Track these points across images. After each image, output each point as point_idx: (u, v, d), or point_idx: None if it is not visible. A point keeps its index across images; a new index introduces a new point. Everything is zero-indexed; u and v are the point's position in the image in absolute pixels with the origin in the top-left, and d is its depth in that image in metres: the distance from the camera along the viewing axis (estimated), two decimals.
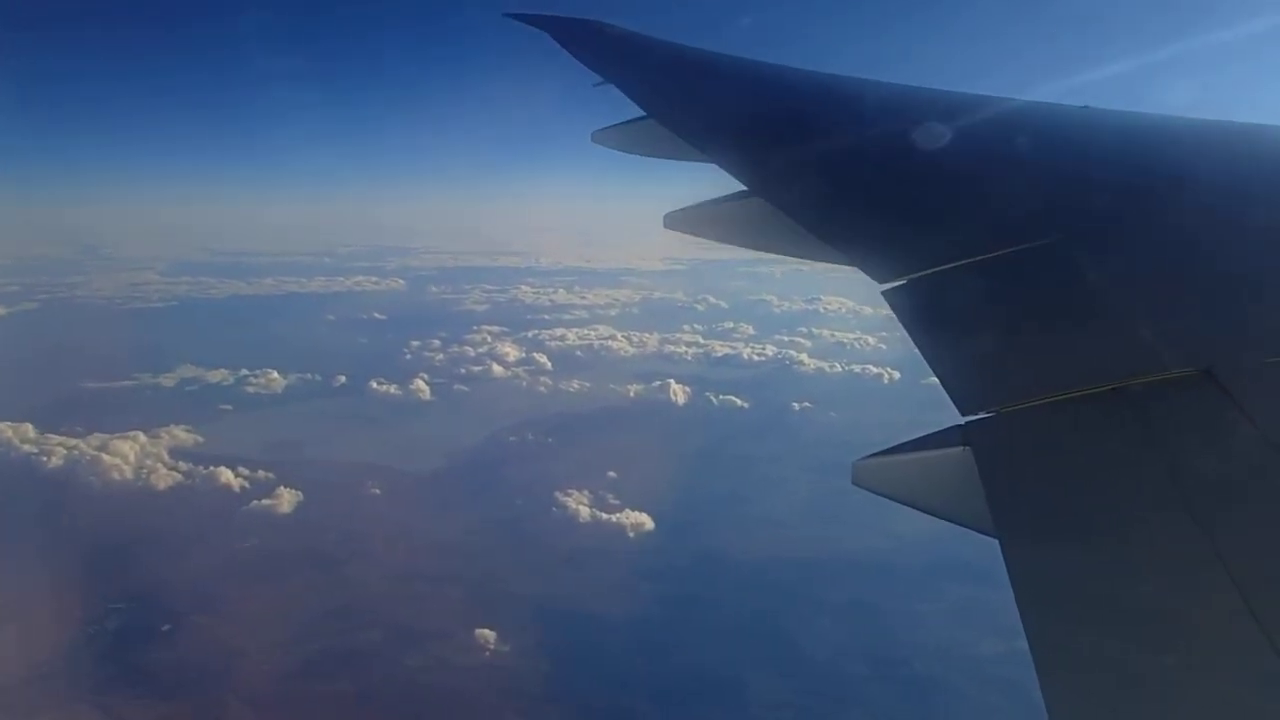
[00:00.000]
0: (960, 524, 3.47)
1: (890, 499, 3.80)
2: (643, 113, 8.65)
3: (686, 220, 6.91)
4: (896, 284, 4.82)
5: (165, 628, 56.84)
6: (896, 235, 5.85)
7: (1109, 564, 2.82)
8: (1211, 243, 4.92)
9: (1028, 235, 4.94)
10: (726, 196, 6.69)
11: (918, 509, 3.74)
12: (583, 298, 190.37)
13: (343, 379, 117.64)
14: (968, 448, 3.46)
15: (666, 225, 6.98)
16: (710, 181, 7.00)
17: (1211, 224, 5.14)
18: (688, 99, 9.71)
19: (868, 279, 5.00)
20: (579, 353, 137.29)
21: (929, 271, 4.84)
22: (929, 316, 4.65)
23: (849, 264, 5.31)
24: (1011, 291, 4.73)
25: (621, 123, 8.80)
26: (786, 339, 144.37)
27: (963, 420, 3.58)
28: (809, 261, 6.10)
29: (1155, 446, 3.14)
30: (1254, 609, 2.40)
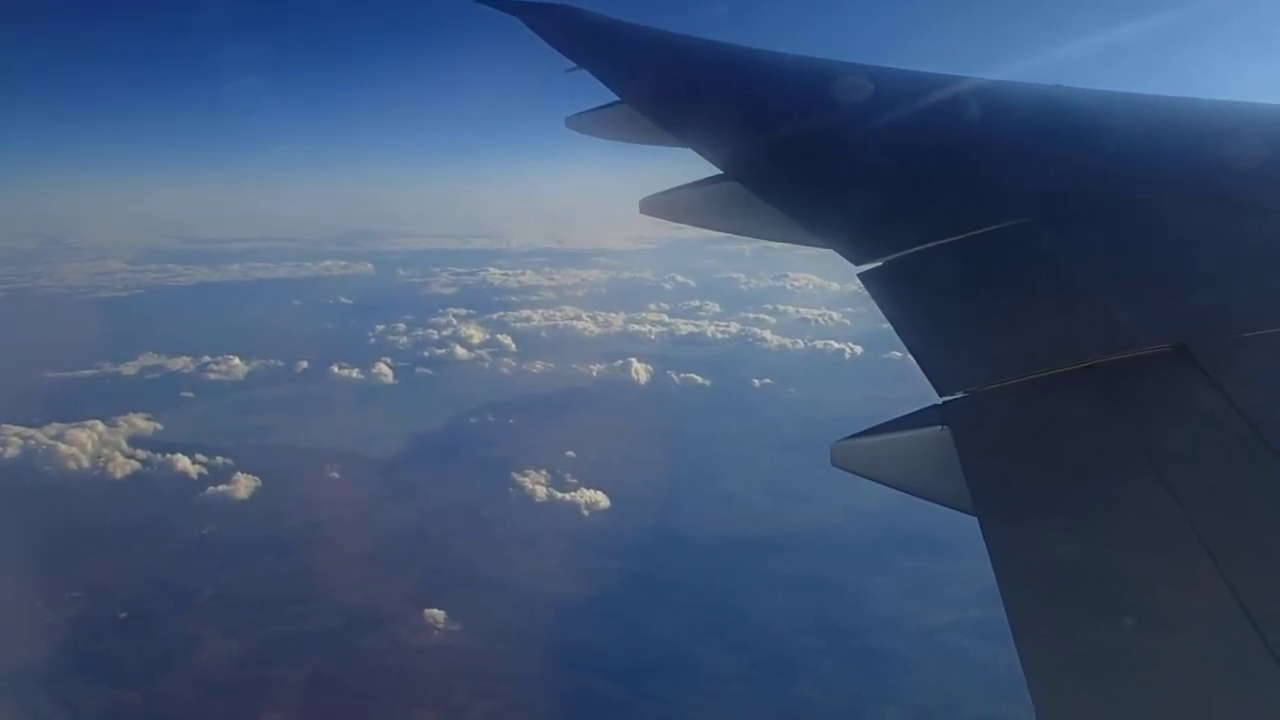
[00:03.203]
0: (939, 503, 3.48)
1: (868, 479, 3.82)
2: (616, 98, 8.63)
3: (662, 205, 6.94)
4: (872, 266, 4.82)
5: (122, 616, 56.91)
6: (872, 217, 5.81)
7: (1088, 541, 2.81)
8: (1184, 220, 4.90)
9: (1002, 215, 4.95)
10: (701, 181, 6.69)
11: (896, 489, 3.74)
12: (551, 279, 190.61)
13: (305, 364, 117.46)
14: (945, 427, 3.45)
15: (642, 210, 7.01)
16: (685, 165, 7.02)
17: (1184, 201, 5.14)
18: (661, 83, 9.64)
19: (838, 257, 5.06)
20: (544, 334, 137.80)
21: (905, 253, 4.84)
22: (905, 298, 4.66)
23: (825, 246, 5.33)
24: (987, 272, 4.72)
25: (595, 108, 8.75)
26: (751, 316, 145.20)
27: (939, 400, 3.59)
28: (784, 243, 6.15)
29: (1131, 423, 3.16)
30: (1232, 584, 2.40)
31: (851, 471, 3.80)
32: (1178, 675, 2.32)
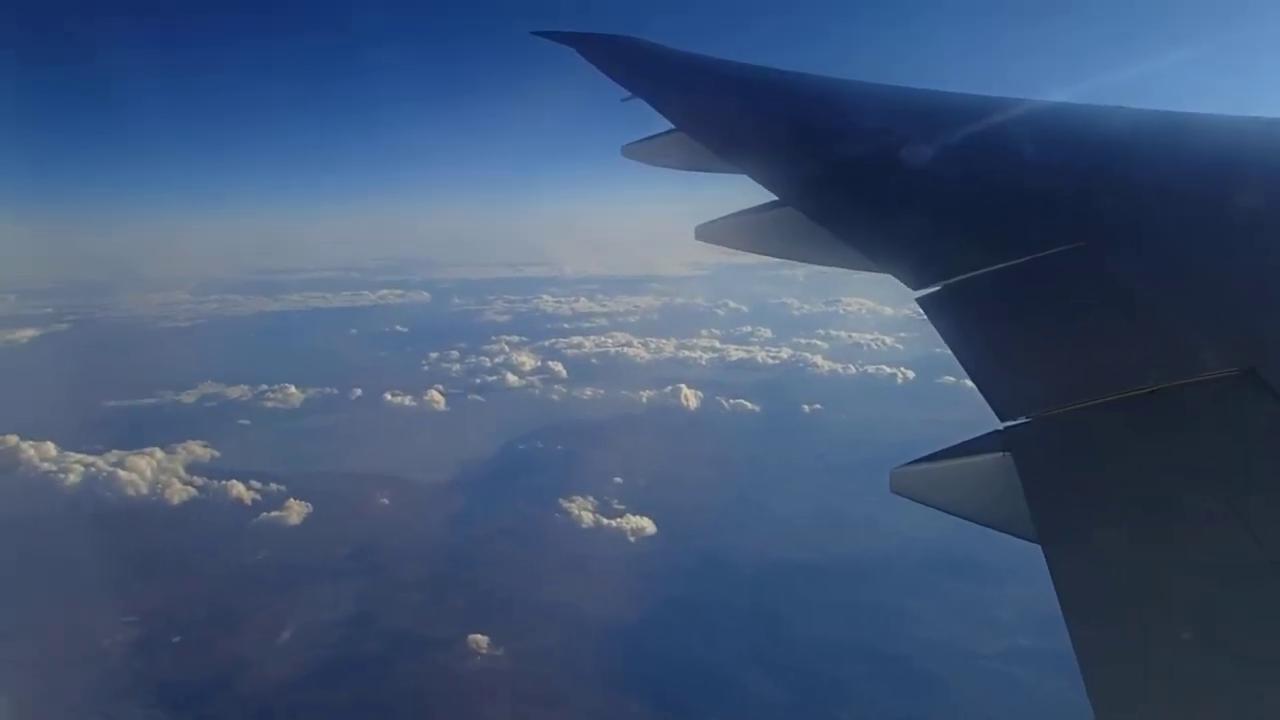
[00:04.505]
0: (1001, 530, 3.43)
1: (928, 505, 3.74)
2: (671, 126, 8.63)
3: (718, 232, 6.88)
4: (931, 290, 4.75)
5: (175, 640, 57.94)
6: (930, 241, 5.75)
7: (1154, 569, 2.76)
8: (1251, 239, 4.75)
9: (1064, 238, 4.85)
10: (758, 207, 6.66)
11: (957, 515, 3.69)
12: (603, 305, 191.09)
13: (359, 392, 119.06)
14: (1008, 453, 3.38)
15: (698, 237, 6.96)
16: (740, 192, 7.00)
17: (1251, 221, 4.93)
18: (716, 111, 9.56)
19: (895, 282, 4.99)
20: (595, 360, 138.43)
21: (964, 277, 4.75)
22: (965, 322, 4.59)
23: (882, 271, 5.24)
24: (1049, 295, 4.64)
25: (651, 136, 8.76)
26: (803, 342, 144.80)
27: (995, 424, 3.53)
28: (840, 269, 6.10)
29: (1199, 448, 3.11)
30: None
31: (911, 498, 3.76)
32: (1251, 708, 2.27)
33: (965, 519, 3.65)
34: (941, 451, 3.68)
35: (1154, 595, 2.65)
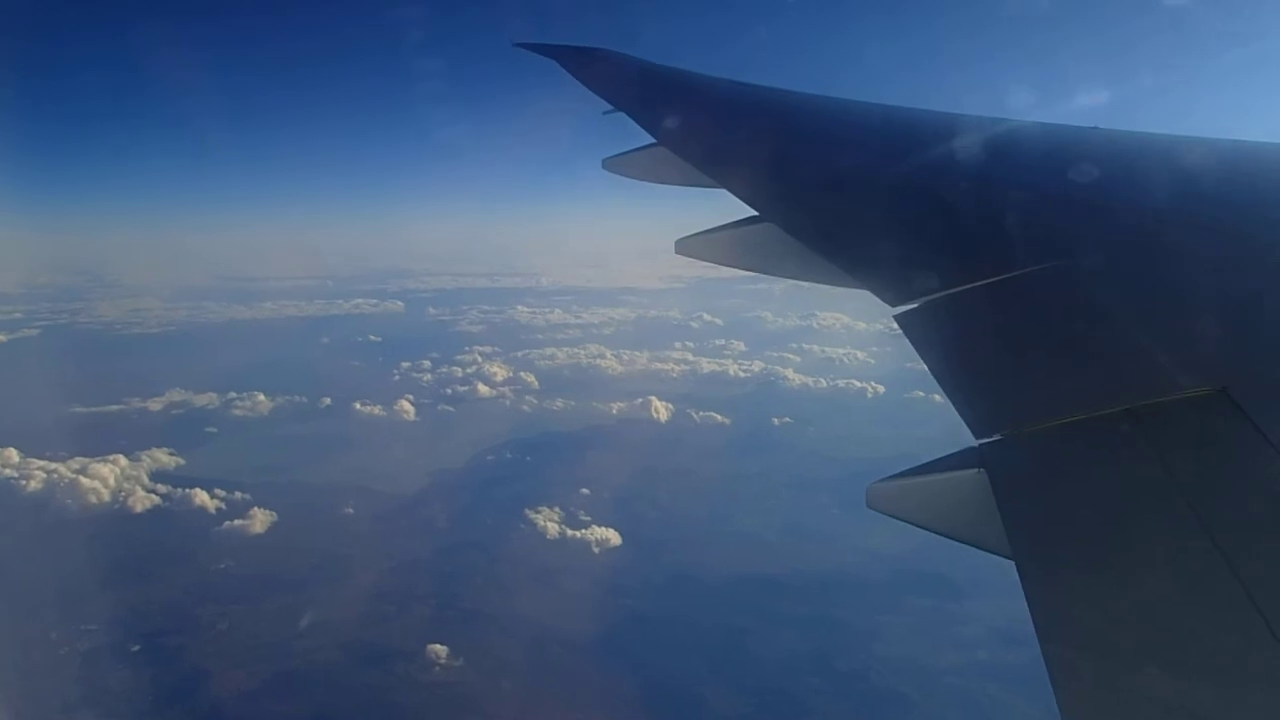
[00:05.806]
0: (975, 546, 3.45)
1: (903, 521, 3.77)
2: (652, 140, 8.63)
3: (698, 246, 6.91)
4: (909, 307, 4.78)
5: (134, 648, 57.41)
6: (909, 258, 5.76)
7: (1126, 585, 2.81)
8: (1224, 261, 4.84)
9: (1040, 257, 4.93)
10: (737, 222, 6.66)
11: (931, 531, 3.71)
12: (578, 317, 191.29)
13: (328, 401, 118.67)
14: (982, 470, 3.42)
15: (678, 251, 7.02)
16: (720, 206, 6.98)
17: (1224, 243, 5.06)
18: (697, 125, 9.53)
19: (869, 297, 5.03)
20: (567, 372, 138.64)
21: (942, 294, 4.78)
22: (942, 339, 4.61)
23: (861, 287, 5.26)
24: (1025, 313, 4.70)
25: (632, 150, 8.76)
26: (776, 355, 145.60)
27: (967, 439, 3.56)
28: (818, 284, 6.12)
29: (1171, 467, 3.11)
30: (1275, 630, 2.38)
31: (886, 513, 3.81)
32: None
33: (939, 534, 3.68)
34: (917, 468, 3.74)
35: (1126, 612, 2.69)
